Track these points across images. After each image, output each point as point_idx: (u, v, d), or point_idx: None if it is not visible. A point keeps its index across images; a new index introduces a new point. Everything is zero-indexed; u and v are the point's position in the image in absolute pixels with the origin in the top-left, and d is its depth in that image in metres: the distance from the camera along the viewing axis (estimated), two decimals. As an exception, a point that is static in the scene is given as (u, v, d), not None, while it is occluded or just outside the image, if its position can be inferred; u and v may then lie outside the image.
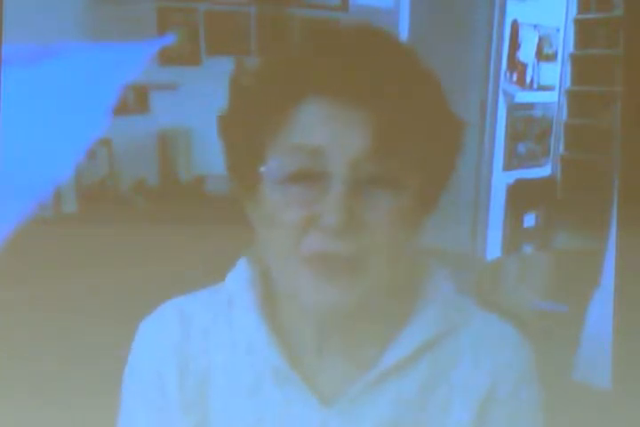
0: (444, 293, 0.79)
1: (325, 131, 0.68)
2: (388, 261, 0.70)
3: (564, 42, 3.85)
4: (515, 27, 3.62)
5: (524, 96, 3.73)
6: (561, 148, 3.96)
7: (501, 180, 3.74)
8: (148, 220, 2.56)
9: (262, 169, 0.71)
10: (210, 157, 2.80)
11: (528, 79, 3.73)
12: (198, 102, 2.86)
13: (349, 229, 0.67)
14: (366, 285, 0.70)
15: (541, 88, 3.80)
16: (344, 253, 0.68)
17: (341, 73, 0.67)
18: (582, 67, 3.88)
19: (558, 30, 3.81)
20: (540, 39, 3.74)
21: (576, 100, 3.91)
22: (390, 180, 0.69)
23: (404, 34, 3.32)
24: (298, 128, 0.69)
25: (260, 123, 0.70)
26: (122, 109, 2.65)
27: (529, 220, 3.74)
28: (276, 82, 0.70)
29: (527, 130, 3.80)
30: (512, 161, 3.78)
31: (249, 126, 0.71)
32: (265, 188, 0.71)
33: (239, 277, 0.80)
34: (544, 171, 3.92)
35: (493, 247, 3.66)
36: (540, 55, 3.77)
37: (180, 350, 0.78)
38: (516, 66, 3.67)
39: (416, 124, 0.69)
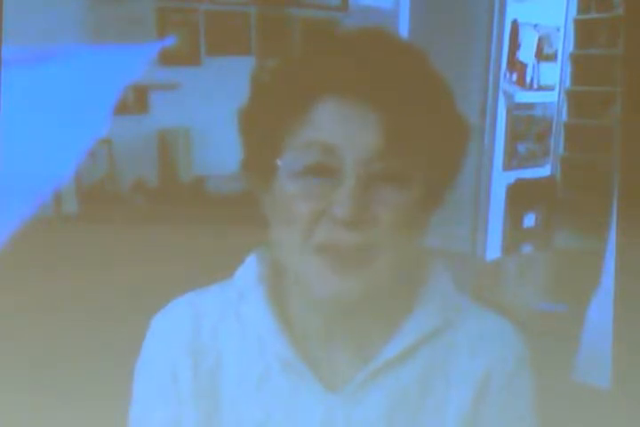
0: (444, 288, 0.82)
1: (339, 129, 0.71)
2: (394, 254, 0.73)
3: (564, 42, 3.86)
4: (515, 27, 3.62)
5: (523, 96, 3.73)
6: (561, 148, 3.97)
7: (501, 180, 3.75)
8: (148, 220, 2.56)
9: (279, 162, 0.74)
10: (210, 157, 2.80)
11: (528, 79, 3.73)
12: (198, 102, 2.86)
13: (359, 221, 0.71)
14: (373, 275, 0.73)
15: (541, 88, 3.80)
16: (353, 245, 0.72)
17: (355, 75, 0.71)
18: (582, 67, 3.88)
19: (558, 30, 3.81)
20: (540, 39, 3.74)
21: (576, 100, 3.91)
22: (399, 176, 0.73)
23: (404, 34, 3.32)
24: (314, 126, 0.72)
25: (278, 119, 0.74)
26: (122, 109, 2.65)
27: (529, 220, 3.75)
28: (293, 81, 0.74)
29: (527, 130, 3.81)
30: (512, 161, 3.78)
31: (268, 122, 0.75)
32: (280, 181, 0.74)
33: (248, 272, 0.82)
34: (544, 171, 3.92)
35: (493, 247, 3.66)
36: (540, 55, 3.77)
37: (193, 343, 0.81)
38: (515, 66, 3.67)
39: (424, 126, 0.73)
